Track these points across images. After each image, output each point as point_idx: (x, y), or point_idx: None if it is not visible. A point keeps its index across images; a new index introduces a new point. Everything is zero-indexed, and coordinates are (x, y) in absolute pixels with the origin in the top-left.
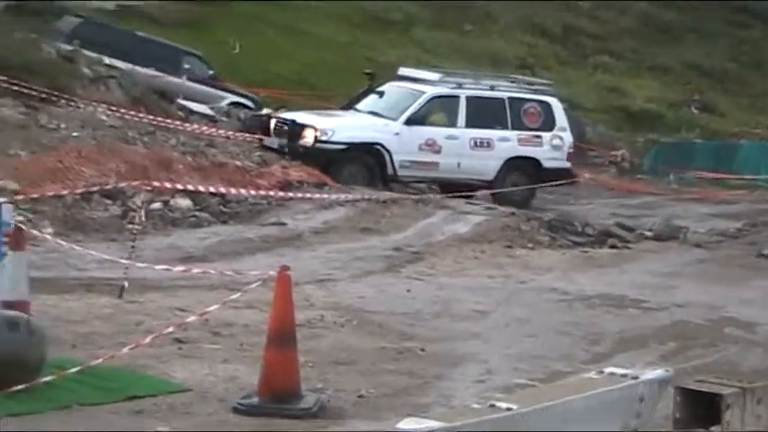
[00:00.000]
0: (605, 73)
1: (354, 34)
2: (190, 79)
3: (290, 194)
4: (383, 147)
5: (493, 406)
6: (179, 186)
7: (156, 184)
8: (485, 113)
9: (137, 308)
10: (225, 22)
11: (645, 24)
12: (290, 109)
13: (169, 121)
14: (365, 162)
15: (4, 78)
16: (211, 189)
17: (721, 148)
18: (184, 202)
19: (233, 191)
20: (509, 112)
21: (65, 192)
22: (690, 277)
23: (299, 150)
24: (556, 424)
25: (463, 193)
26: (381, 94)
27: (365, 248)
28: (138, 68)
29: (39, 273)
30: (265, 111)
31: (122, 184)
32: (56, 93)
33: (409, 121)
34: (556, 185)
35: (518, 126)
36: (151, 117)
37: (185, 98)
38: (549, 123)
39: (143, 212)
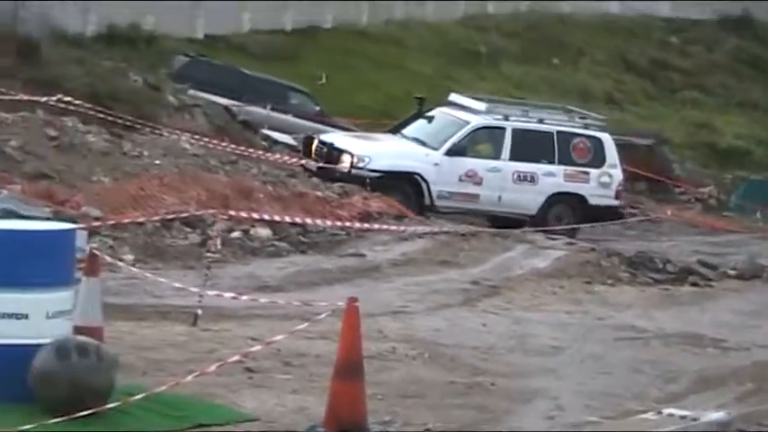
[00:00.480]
0: (694, 108)
1: (442, 67)
2: (296, 116)
3: (370, 226)
4: (421, 177)
5: None
6: (257, 216)
7: (232, 212)
8: (531, 147)
9: (210, 336)
10: (314, 54)
11: (734, 60)
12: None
13: (251, 150)
14: (402, 190)
15: (91, 106)
16: (291, 219)
17: None
18: (264, 232)
19: (313, 221)
20: (557, 147)
21: (144, 218)
22: None
23: (335, 175)
24: None
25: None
26: (430, 119)
27: (442, 281)
28: (251, 107)
29: (116, 299)
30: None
31: (199, 212)
32: (140, 121)
33: (450, 152)
34: (603, 223)
35: (565, 161)
36: (234, 146)
37: (270, 128)
38: (598, 160)
39: (219, 241)
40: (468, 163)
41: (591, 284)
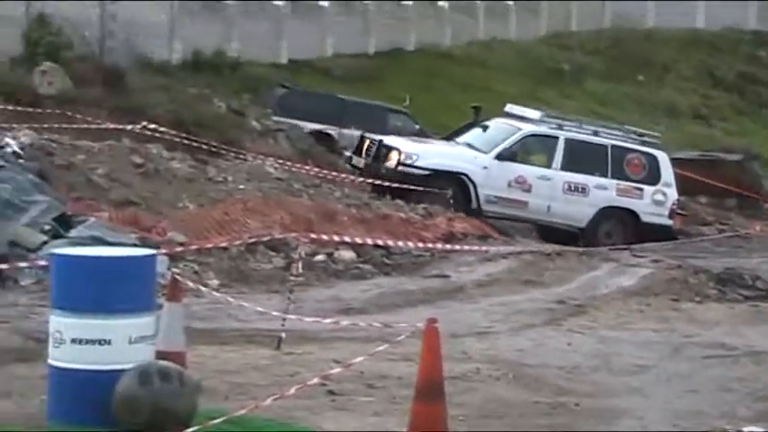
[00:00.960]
0: None
1: (527, 86)
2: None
3: (453, 247)
4: (468, 178)
5: None
6: (341, 238)
7: (313, 235)
8: (584, 158)
9: (293, 359)
10: (397, 76)
11: None
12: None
13: (335, 173)
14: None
15: (176, 133)
16: (375, 241)
17: None
18: (348, 254)
19: (396, 243)
20: (610, 160)
21: (227, 243)
22: None
23: (381, 171)
24: None
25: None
26: (485, 128)
27: (527, 301)
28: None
29: (201, 324)
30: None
31: (280, 236)
32: (225, 146)
33: (500, 156)
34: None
35: (618, 175)
36: (317, 169)
37: None
38: (653, 177)
39: (301, 264)
40: (518, 169)
41: (678, 302)
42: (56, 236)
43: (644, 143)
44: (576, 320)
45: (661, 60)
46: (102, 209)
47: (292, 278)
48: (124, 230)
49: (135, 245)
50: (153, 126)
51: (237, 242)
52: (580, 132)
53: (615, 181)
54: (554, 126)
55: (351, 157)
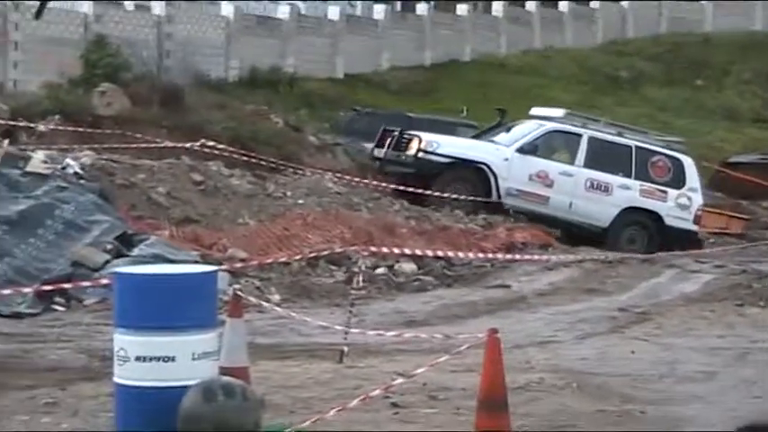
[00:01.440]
0: None
1: (584, 94)
2: None
3: (515, 256)
4: (489, 168)
5: None
6: (402, 251)
7: (373, 248)
8: (607, 157)
9: (356, 372)
10: (454, 87)
11: None
12: None
13: (393, 186)
14: (470, 180)
15: (234, 149)
16: (435, 253)
17: None
18: (408, 267)
19: (457, 254)
20: (635, 161)
21: (287, 258)
22: None
23: (401, 159)
24: None
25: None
26: (509, 128)
27: (590, 309)
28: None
29: (264, 339)
30: None
31: (341, 250)
32: (283, 162)
33: (522, 150)
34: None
35: (643, 177)
36: (376, 183)
37: None
38: (678, 181)
39: (362, 277)
40: (540, 163)
41: (743, 307)
42: (118, 255)
43: (669, 146)
44: (640, 328)
45: (719, 64)
46: (163, 227)
47: (354, 292)
48: (185, 248)
49: (196, 262)
50: (211, 143)
51: (298, 257)
52: (605, 132)
53: (639, 182)
54: (578, 124)
55: (372, 150)
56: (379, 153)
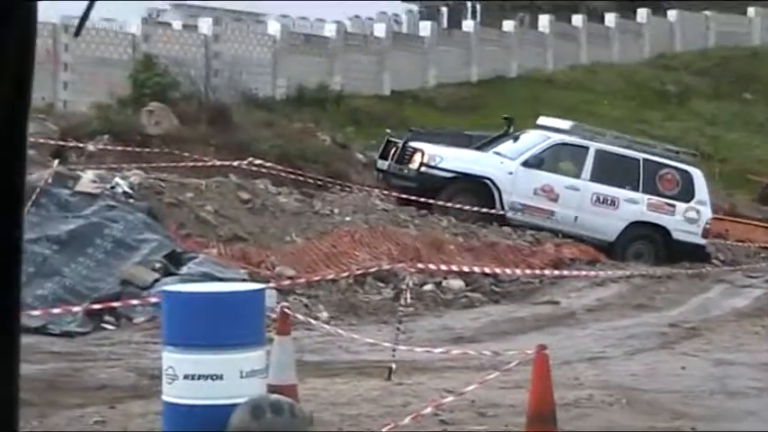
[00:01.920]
0: None
1: (630, 109)
2: None
3: (563, 272)
4: (493, 183)
5: None
6: (448, 267)
7: (421, 265)
8: (614, 170)
9: (404, 389)
10: (500, 103)
11: None
12: None
13: (440, 203)
14: (474, 194)
15: (281, 167)
16: (483, 269)
17: None
18: (456, 283)
19: (504, 270)
20: (642, 174)
21: (334, 275)
22: None
23: (403, 172)
24: None
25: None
26: (516, 138)
27: (639, 325)
28: None
29: (312, 357)
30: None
31: (388, 267)
32: (330, 179)
33: (527, 163)
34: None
35: (650, 190)
36: (423, 200)
37: None
38: (686, 194)
39: (409, 294)
40: (545, 177)
41: None
42: (167, 273)
43: (679, 159)
44: (690, 344)
45: None
46: (211, 245)
47: (401, 309)
48: (233, 266)
49: (244, 280)
50: (259, 162)
51: (345, 274)
52: (612, 144)
53: (647, 195)
54: (585, 136)
55: (376, 161)
56: (383, 165)
